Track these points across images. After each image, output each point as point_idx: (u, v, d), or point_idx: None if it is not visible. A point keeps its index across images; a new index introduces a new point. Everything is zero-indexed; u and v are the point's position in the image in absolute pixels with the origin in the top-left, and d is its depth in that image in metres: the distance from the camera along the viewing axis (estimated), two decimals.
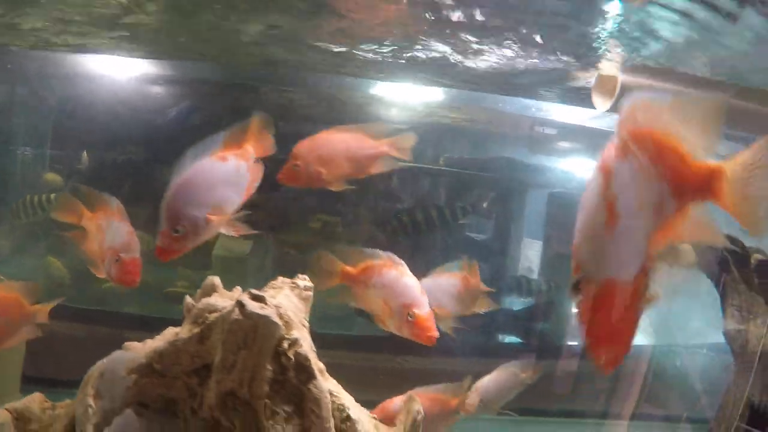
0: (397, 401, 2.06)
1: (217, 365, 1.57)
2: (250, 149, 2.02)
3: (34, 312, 2.06)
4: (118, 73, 4.17)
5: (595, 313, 0.97)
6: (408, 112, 4.30)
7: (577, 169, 4.61)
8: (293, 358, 1.65)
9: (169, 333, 2.00)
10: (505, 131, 4.50)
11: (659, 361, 3.93)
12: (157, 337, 2.02)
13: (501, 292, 4.33)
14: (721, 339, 2.69)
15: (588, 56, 2.61)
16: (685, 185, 1.00)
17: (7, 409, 1.74)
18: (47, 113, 4.59)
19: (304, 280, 1.84)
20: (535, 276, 4.35)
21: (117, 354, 1.75)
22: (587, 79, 2.84)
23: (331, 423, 1.70)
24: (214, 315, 1.64)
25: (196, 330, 1.65)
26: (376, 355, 3.66)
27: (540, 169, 4.51)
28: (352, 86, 3.98)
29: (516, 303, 4.40)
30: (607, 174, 1.02)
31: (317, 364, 1.74)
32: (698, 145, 1.00)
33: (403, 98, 4.15)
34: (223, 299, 1.74)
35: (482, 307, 2.62)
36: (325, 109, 4.32)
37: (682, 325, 4.10)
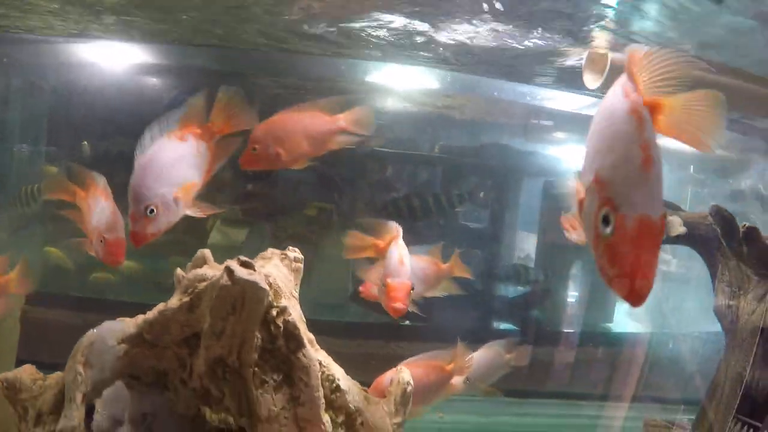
0: (389, 375, 2.06)
1: (206, 332, 1.58)
2: (212, 128, 1.98)
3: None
4: (110, 60, 4.17)
5: (630, 245, 1.03)
6: (403, 99, 4.31)
7: (570, 157, 4.63)
8: (282, 326, 1.66)
9: (160, 306, 2.01)
10: (500, 118, 4.51)
11: (655, 346, 3.96)
12: (149, 312, 2.04)
13: (496, 279, 4.35)
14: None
15: (578, 34, 2.62)
16: None
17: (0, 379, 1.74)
18: (44, 104, 4.60)
19: (294, 252, 1.85)
20: (529, 263, 4.36)
21: (107, 324, 1.75)
22: (578, 57, 2.85)
23: (321, 392, 1.71)
24: (204, 284, 1.65)
25: (186, 299, 1.66)
26: (369, 341, 3.67)
27: (535, 157, 4.52)
28: (347, 72, 3.99)
29: (511, 290, 4.41)
30: (640, 119, 1.09)
31: (307, 335, 1.74)
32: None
33: (399, 84, 4.16)
34: (212, 270, 1.75)
35: (445, 291, 2.63)
36: (318, 95, 4.33)
37: (677, 310, 4.13)
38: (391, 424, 1.86)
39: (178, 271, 1.81)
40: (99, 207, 2.14)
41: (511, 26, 2.60)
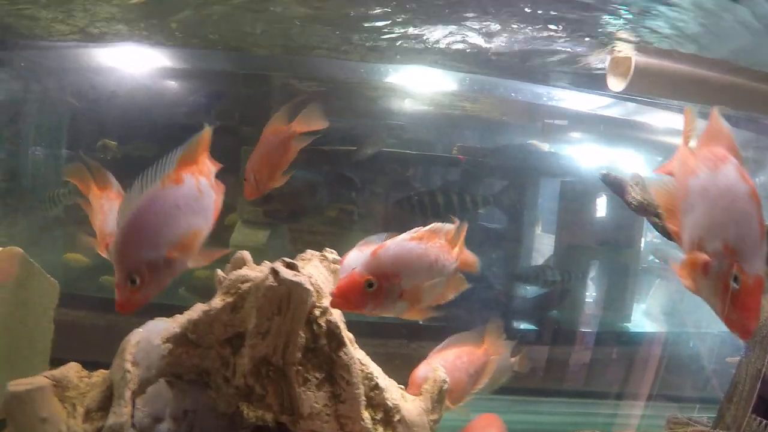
0: (422, 369, 2.07)
1: (251, 331, 1.62)
2: (208, 162, 1.72)
3: None
4: (131, 64, 4.22)
5: (750, 297, 1.34)
6: (421, 101, 4.34)
7: (587, 157, 4.66)
8: (324, 326, 1.70)
9: (198, 307, 2.06)
10: (518, 119, 4.54)
11: (673, 346, 3.99)
12: (186, 312, 2.08)
13: (516, 279, 4.38)
14: None
15: (601, 38, 2.64)
16: None
17: (45, 376, 1.79)
18: (63, 108, 4.65)
19: (332, 253, 1.89)
20: (548, 264, 4.38)
21: (152, 323, 1.79)
22: (601, 61, 2.87)
23: (361, 389, 1.75)
24: (247, 285, 1.69)
25: (229, 299, 1.70)
26: (391, 341, 3.69)
27: (553, 157, 4.55)
28: (365, 74, 4.02)
29: (530, 290, 4.44)
30: (758, 201, 1.42)
31: (347, 334, 1.78)
32: None
33: (417, 87, 4.20)
34: (254, 271, 1.79)
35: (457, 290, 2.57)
36: (336, 97, 4.38)
37: (695, 311, 4.15)
38: (428, 420, 1.90)
39: (219, 272, 1.86)
40: (113, 211, 2.15)
41: (536, 31, 2.63)
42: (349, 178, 4.21)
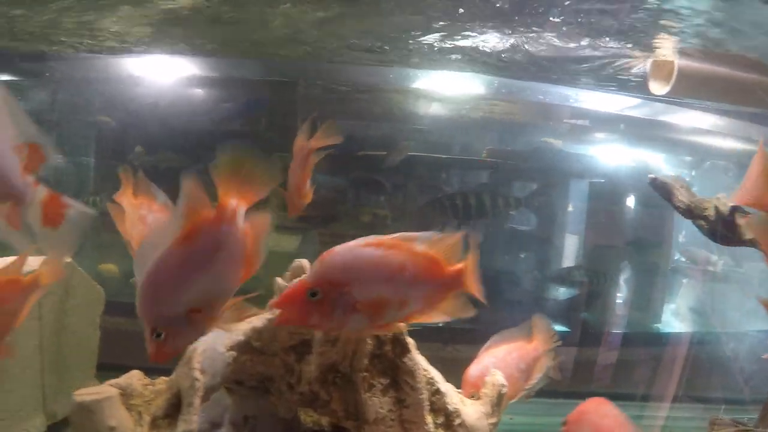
0: (474, 369, 2.09)
1: (320, 339, 1.64)
2: (232, 202, 1.44)
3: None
4: (159, 73, 4.26)
5: None
6: (451, 104, 4.36)
7: (615, 158, 4.67)
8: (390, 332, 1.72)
9: (262, 315, 2.08)
10: (545, 121, 4.56)
11: (705, 346, 3.98)
12: (249, 319, 2.10)
13: (547, 281, 4.39)
14: None
15: (641, 41, 2.65)
16: None
17: (110, 385, 1.81)
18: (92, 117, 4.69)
19: None
20: (578, 265, 4.39)
21: (216, 332, 1.81)
22: (640, 64, 2.88)
23: (425, 394, 1.77)
24: None
25: None
26: (426, 344, 3.69)
27: (581, 159, 4.56)
28: (394, 80, 4.05)
29: (561, 292, 4.44)
30: None
31: (409, 340, 1.80)
32: None
33: (447, 90, 4.22)
34: None
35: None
36: (368, 102, 4.40)
37: (729, 310, 4.14)
38: (487, 424, 1.91)
39: (279, 280, 1.88)
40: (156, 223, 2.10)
41: (575, 35, 2.64)
42: (379, 182, 4.23)
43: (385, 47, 3.46)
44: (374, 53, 3.55)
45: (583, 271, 4.26)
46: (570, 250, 4.52)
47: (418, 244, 1.51)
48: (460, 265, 1.55)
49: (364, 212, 4.18)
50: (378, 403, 1.72)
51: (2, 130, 1.37)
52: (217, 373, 1.76)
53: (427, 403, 1.77)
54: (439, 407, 1.83)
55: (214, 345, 1.78)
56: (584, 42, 2.68)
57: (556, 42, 2.79)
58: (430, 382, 1.82)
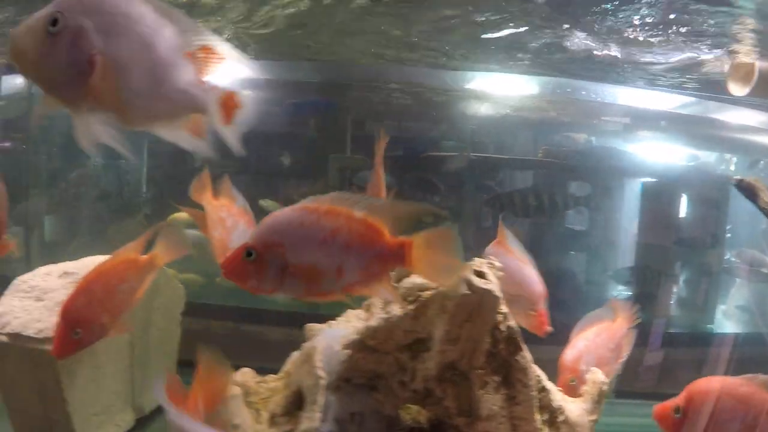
0: (567, 353, 2.18)
1: (442, 338, 1.69)
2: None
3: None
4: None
5: None
6: (505, 105, 4.39)
7: (668, 157, 4.67)
8: (505, 330, 1.76)
9: (351, 314, 2.14)
10: (598, 120, 4.58)
11: (751, 347, 3.97)
12: (339, 319, 2.17)
13: (601, 281, 4.40)
14: None
15: (719, 44, 2.67)
16: None
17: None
18: None
19: (496, 261, 1.94)
20: (631, 265, 4.40)
21: (330, 331, 1.88)
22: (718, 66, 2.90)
23: (535, 392, 1.82)
24: (428, 293, 1.75)
25: (410, 307, 1.76)
26: None
27: (635, 158, 4.57)
28: (451, 80, 4.08)
29: (615, 292, 4.45)
30: None
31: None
32: None
33: (501, 91, 4.25)
34: (422, 279, 1.85)
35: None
36: (417, 103, 4.45)
37: None
38: (588, 421, 1.96)
39: None
40: (239, 229, 2.14)
41: (655, 40, 2.66)
42: (433, 182, 4.27)
43: (446, 48, 3.51)
44: (438, 55, 3.59)
45: (638, 270, 4.27)
46: (624, 250, 4.53)
47: (358, 210, 1.45)
48: (403, 238, 1.46)
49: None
50: (491, 400, 1.77)
51: (169, 41, 1.35)
52: (332, 371, 1.83)
53: (537, 400, 1.82)
54: (544, 404, 1.88)
55: (331, 343, 1.84)
56: (663, 45, 2.70)
57: (631, 47, 2.82)
58: (537, 379, 1.87)
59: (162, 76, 1.35)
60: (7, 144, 4.57)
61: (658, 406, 1.68)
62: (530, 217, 4.01)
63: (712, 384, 1.67)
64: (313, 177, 4.43)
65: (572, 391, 2.06)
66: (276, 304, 3.90)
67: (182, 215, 4.39)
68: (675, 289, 4.42)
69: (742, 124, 4.60)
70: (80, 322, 1.80)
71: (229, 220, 2.18)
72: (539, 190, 4.05)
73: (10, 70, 3.68)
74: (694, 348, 4.09)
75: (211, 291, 3.95)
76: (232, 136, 1.49)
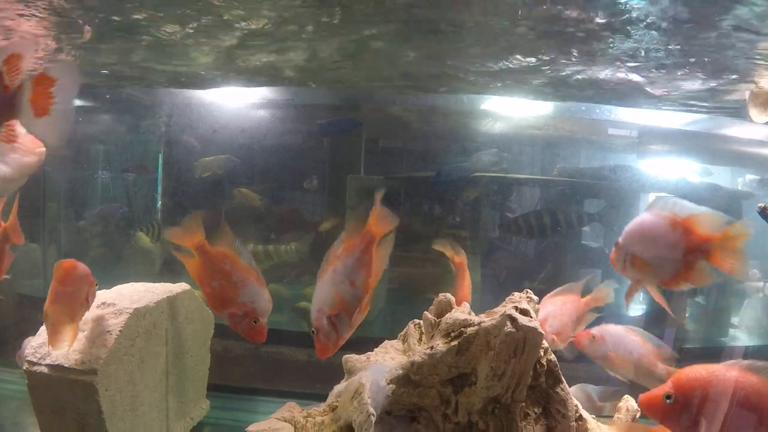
0: (584, 336, 2.39)
1: (488, 374, 1.74)
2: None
3: None
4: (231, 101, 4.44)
5: None
6: (520, 126, 4.46)
7: (681, 173, 4.73)
8: (545, 364, 1.82)
9: (388, 345, 2.20)
10: (612, 139, 4.64)
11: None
12: (377, 350, 2.23)
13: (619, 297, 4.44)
14: None
15: (742, 72, 2.71)
16: None
17: (277, 418, 1.93)
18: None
19: (531, 293, 2.01)
20: None
21: (376, 366, 1.94)
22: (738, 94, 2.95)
23: (574, 423, 1.87)
24: (472, 329, 1.81)
25: (454, 343, 1.82)
26: None
27: (648, 175, 4.63)
28: (467, 102, 4.15)
29: (631, 308, 4.50)
30: None
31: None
32: None
33: (516, 112, 4.33)
34: (463, 314, 1.91)
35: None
36: (431, 125, 4.52)
37: None
38: None
39: (427, 314, 1.99)
40: (249, 287, 2.05)
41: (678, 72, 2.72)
42: (453, 202, 4.34)
43: (461, 75, 3.56)
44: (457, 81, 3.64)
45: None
46: None
47: None
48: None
49: (444, 234, 4.26)
50: (532, 431, 1.83)
51: None
52: (377, 406, 1.88)
53: (574, 430, 1.87)
54: None
55: (377, 379, 1.90)
56: (685, 77, 2.75)
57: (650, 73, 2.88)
58: (576, 409, 1.93)
59: None
60: None
61: (644, 395, 1.70)
62: (547, 237, 4.07)
63: (699, 370, 1.74)
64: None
65: None
66: (297, 325, 3.97)
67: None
68: (690, 304, 4.47)
69: (751, 138, 4.67)
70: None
71: (234, 275, 2.07)
72: (554, 210, 4.12)
73: None
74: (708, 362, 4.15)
75: None
76: (50, 128, 1.46)
